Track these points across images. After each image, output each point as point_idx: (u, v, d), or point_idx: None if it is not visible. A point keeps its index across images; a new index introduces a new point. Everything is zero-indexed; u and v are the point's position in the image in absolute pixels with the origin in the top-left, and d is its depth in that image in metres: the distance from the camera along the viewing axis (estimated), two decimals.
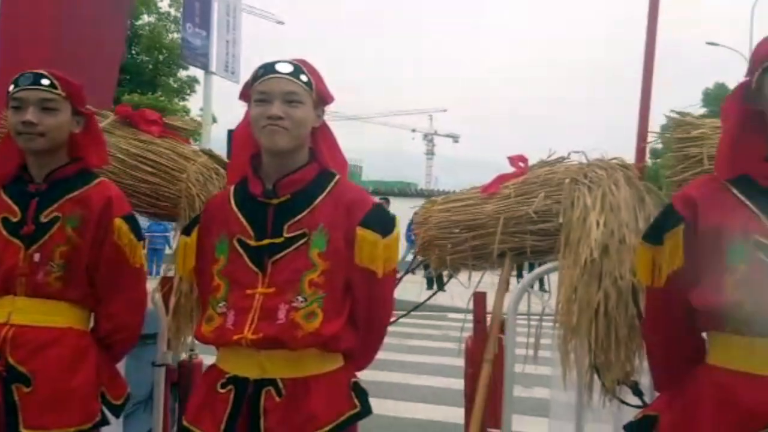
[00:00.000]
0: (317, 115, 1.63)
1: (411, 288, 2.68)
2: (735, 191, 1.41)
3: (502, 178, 2.42)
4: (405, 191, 23.22)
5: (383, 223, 1.58)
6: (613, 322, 1.83)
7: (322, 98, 1.64)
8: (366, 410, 1.56)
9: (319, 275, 1.51)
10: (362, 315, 1.58)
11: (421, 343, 7.55)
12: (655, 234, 1.49)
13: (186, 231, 1.70)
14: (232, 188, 1.66)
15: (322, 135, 1.68)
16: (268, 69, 1.57)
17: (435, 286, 7.49)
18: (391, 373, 5.83)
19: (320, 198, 1.58)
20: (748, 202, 1.38)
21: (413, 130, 60.41)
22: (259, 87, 1.55)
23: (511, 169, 2.44)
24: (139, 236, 1.83)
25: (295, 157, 1.59)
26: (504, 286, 2.20)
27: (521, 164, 2.50)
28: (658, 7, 2.34)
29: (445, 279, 2.61)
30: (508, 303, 2.17)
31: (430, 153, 60.46)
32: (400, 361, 6.33)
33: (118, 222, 1.78)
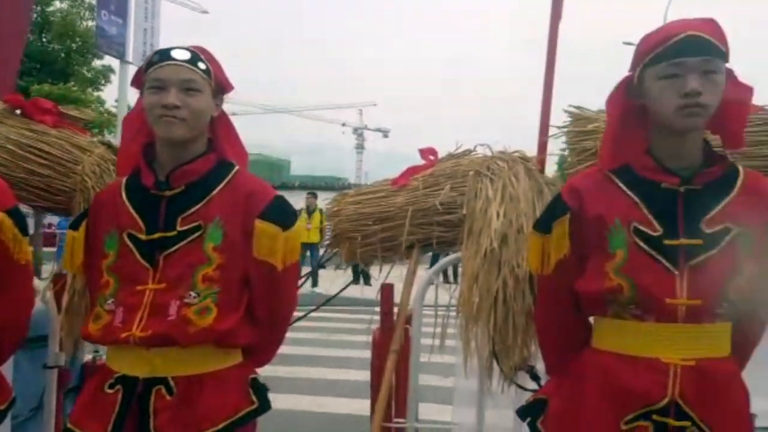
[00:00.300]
0: (216, 104, 1.59)
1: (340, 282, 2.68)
2: (617, 181, 1.47)
3: (412, 171, 2.45)
4: (333, 186, 23.15)
5: (284, 215, 1.56)
6: (512, 310, 1.89)
7: (221, 87, 1.60)
8: (264, 407, 1.54)
9: (214, 269, 1.48)
10: (262, 310, 1.56)
11: (342, 337, 7.52)
12: (544, 223, 1.54)
13: (74, 225, 1.62)
14: (123, 180, 1.59)
15: (220, 124, 1.64)
16: (163, 55, 1.52)
17: (359, 280, 7.51)
18: (310, 369, 5.82)
19: (217, 189, 1.54)
20: (629, 192, 1.45)
21: (343, 125, 60.29)
22: (154, 74, 1.50)
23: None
24: (25, 231, 1.73)
25: (191, 147, 1.55)
26: (411, 278, 2.22)
27: (431, 157, 2.54)
28: (561, 5, 2.42)
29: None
30: (415, 294, 2.20)
31: (360, 147, 60.53)
32: (318, 356, 6.30)
33: (1, 216, 1.67)
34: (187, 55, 1.52)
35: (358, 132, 60.05)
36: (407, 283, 2.20)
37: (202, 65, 1.53)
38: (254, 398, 1.52)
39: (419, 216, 2.23)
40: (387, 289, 2.27)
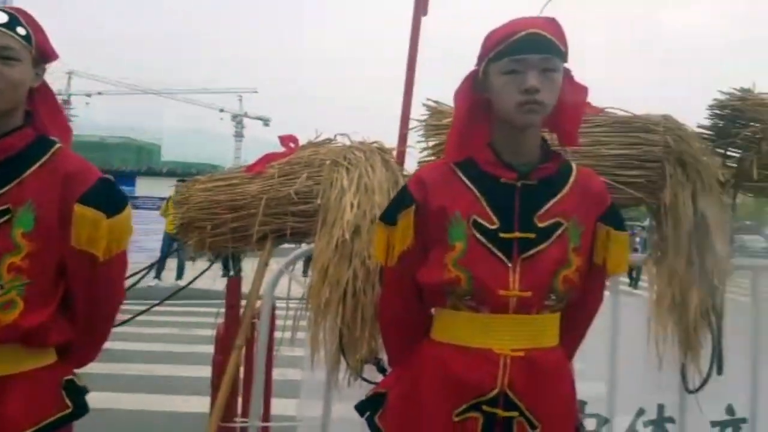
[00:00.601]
0: (36, 73, 1.43)
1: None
2: (461, 174, 1.48)
3: (268, 158, 2.36)
4: (204, 173, 22.15)
5: (108, 200, 1.41)
6: (361, 302, 1.86)
7: (43, 55, 1.43)
8: (81, 410, 1.40)
9: (23, 259, 1.31)
10: (81, 305, 1.41)
11: (194, 332, 7.20)
12: (390, 214, 1.52)
13: None
14: None
15: (41, 96, 1.47)
16: None
17: (229, 272, 7.24)
18: (161, 366, 5.57)
19: (32, 169, 1.37)
20: (471, 185, 1.46)
21: (221, 110, 58.24)
22: None
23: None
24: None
25: (5, 121, 1.37)
26: (263, 270, 2.13)
27: (292, 144, 2.46)
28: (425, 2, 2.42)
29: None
30: (265, 287, 2.11)
31: (239, 135, 58.78)
32: (169, 353, 6.04)
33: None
34: (4, 18, 1.34)
35: (237, 119, 58.29)
36: (257, 276, 2.11)
37: (21, 30, 1.37)
38: (68, 402, 1.38)
39: (273, 205, 2.14)
40: (233, 282, 2.16)
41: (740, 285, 2.33)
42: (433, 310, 1.53)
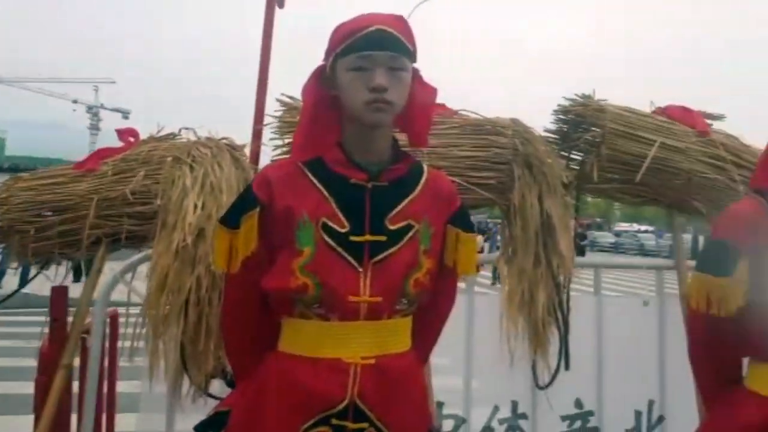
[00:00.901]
0: None
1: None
2: (309, 174, 1.39)
3: (101, 153, 2.14)
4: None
5: None
6: (205, 312, 1.71)
7: None
8: None
9: None
10: None
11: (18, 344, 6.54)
12: (232, 217, 1.40)
13: None
14: None
15: None
16: None
17: (80, 277, 6.66)
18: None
19: None
20: (320, 186, 1.38)
21: (75, 101, 53.96)
22: None
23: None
24: None
25: None
26: (95, 279, 1.91)
27: (131, 139, 2.25)
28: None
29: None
30: (98, 296, 1.90)
31: (95, 128, 54.77)
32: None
33: None
34: None
35: (93, 111, 54.28)
36: (88, 285, 1.89)
37: None
38: None
39: (106, 206, 1.94)
40: (59, 292, 1.90)
41: (584, 282, 2.45)
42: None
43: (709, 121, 2.41)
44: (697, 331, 1.60)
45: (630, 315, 2.45)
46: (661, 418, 2.43)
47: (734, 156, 2.30)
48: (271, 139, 2.10)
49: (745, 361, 1.56)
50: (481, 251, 14.82)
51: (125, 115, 55.38)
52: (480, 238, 17.05)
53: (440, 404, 2.23)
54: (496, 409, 2.34)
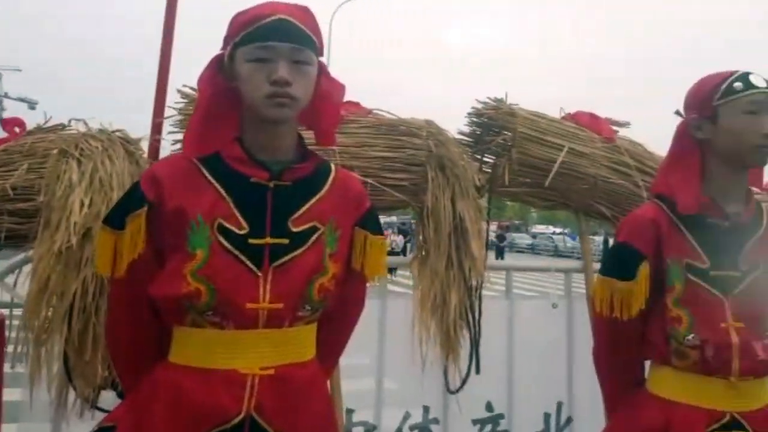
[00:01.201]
0: None
1: None
2: (204, 171, 1.29)
3: None
4: None
5: None
6: (92, 320, 1.57)
7: None
8: None
9: None
10: None
11: None
12: (116, 217, 1.28)
13: None
14: None
15: None
16: None
17: None
18: None
19: None
20: (216, 184, 1.28)
21: None
22: None
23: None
24: None
25: None
26: None
27: (16, 129, 2.05)
28: None
29: None
30: None
31: None
32: None
33: None
34: None
35: None
36: None
37: None
38: None
39: None
40: None
41: (495, 285, 2.45)
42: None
43: (615, 128, 2.46)
44: (602, 334, 1.61)
45: (540, 317, 2.47)
46: (569, 420, 2.47)
47: (638, 162, 2.36)
48: (170, 132, 1.97)
49: (648, 363, 1.59)
50: (404, 252, 14.91)
51: (32, 105, 52.24)
52: (401, 239, 17.17)
53: (350, 411, 2.17)
54: (407, 415, 2.30)
